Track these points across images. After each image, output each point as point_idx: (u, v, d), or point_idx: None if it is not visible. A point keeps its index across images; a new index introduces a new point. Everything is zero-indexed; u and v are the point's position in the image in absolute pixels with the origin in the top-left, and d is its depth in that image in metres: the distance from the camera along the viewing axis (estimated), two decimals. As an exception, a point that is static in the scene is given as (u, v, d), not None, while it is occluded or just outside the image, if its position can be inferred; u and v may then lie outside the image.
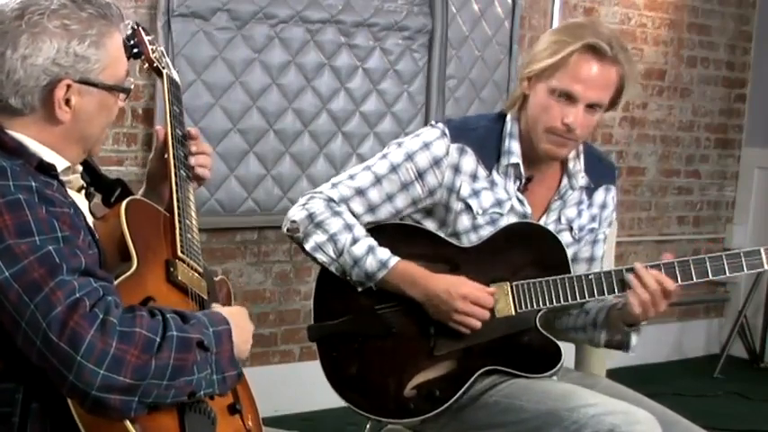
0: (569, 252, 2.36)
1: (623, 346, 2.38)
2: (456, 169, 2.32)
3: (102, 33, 1.65)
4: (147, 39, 2.06)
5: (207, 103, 3.77)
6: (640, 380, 4.04)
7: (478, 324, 2.25)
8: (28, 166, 1.59)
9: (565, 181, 2.41)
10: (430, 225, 2.38)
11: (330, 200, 2.33)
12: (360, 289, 2.31)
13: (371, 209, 2.34)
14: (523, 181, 2.35)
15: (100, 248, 1.66)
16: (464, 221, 2.33)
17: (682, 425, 2.28)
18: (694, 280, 2.29)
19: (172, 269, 1.76)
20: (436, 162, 2.32)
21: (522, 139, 2.34)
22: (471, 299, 2.25)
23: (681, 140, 5.36)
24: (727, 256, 2.29)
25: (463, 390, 2.28)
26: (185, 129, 2.01)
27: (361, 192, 2.33)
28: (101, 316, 1.48)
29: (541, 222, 2.39)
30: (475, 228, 2.33)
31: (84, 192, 1.79)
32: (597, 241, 2.47)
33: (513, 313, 2.30)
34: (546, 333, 2.33)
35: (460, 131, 2.34)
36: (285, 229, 2.36)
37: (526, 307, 2.30)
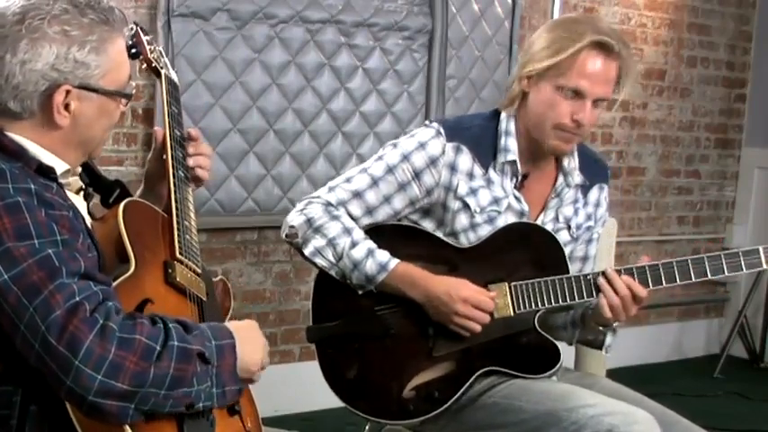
0: (566, 251, 2.36)
1: (598, 345, 2.40)
2: (452, 168, 2.33)
3: (104, 39, 1.64)
4: (145, 39, 2.05)
5: (207, 103, 3.78)
6: (640, 380, 4.04)
7: (478, 327, 2.25)
8: (27, 168, 1.59)
9: (561, 179, 2.41)
10: (428, 225, 2.38)
11: (328, 204, 2.33)
12: (360, 292, 2.31)
13: (369, 211, 2.34)
14: (520, 178, 2.36)
15: (99, 251, 1.65)
16: (462, 220, 2.33)
17: (682, 425, 2.29)
18: (693, 279, 2.29)
19: (170, 270, 1.76)
20: (432, 161, 2.32)
21: (519, 136, 2.35)
22: (472, 302, 2.25)
23: (681, 140, 5.36)
24: (725, 256, 2.29)
25: (462, 390, 2.28)
26: (184, 129, 2.01)
27: (358, 194, 2.33)
28: (101, 321, 1.48)
29: (539, 220, 2.39)
30: (473, 226, 2.33)
31: (82, 193, 1.78)
32: (591, 240, 2.48)
33: (512, 314, 2.30)
34: (544, 333, 2.33)
35: (455, 130, 2.35)
36: (284, 235, 2.36)
37: (525, 307, 2.30)
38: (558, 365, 2.31)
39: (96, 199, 1.85)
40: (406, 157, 2.33)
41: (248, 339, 1.70)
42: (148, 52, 2.05)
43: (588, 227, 2.45)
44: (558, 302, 2.30)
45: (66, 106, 1.63)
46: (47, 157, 1.65)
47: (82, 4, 1.64)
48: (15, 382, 1.57)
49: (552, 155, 2.37)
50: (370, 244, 2.29)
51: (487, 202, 2.33)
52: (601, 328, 2.36)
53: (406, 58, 4.23)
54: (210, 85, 3.77)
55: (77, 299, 1.48)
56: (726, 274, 2.29)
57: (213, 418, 1.67)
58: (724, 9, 5.37)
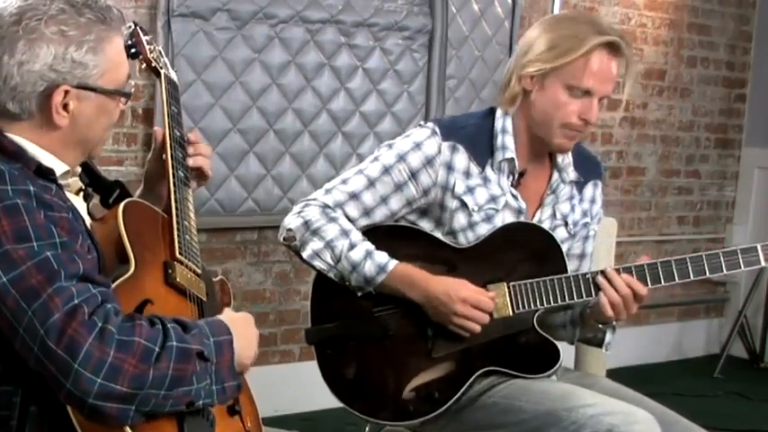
0: (564, 248, 2.36)
1: (598, 343, 2.41)
2: (449, 167, 2.33)
3: (101, 38, 1.64)
4: (144, 39, 2.05)
5: (207, 103, 3.78)
6: (640, 380, 4.04)
7: (478, 328, 2.25)
8: (26, 169, 1.59)
9: (555, 175, 2.42)
10: (425, 225, 2.38)
11: (325, 206, 2.32)
12: (359, 294, 2.31)
13: (367, 212, 2.34)
14: (517, 175, 2.36)
15: (99, 251, 1.65)
16: (460, 219, 2.33)
17: (682, 425, 2.29)
18: (691, 278, 2.30)
19: (170, 271, 1.76)
20: (429, 161, 2.32)
21: (516, 133, 2.35)
22: (471, 302, 2.25)
23: (681, 140, 5.36)
24: (724, 254, 2.29)
25: (462, 391, 2.28)
26: (183, 129, 2.01)
27: (354, 196, 2.33)
28: (99, 324, 1.47)
29: (536, 217, 2.39)
30: (471, 225, 2.33)
31: (82, 194, 1.78)
32: (588, 237, 2.48)
33: (511, 314, 2.30)
34: (544, 333, 2.33)
35: (451, 130, 2.35)
36: (281, 239, 2.36)
37: (524, 307, 2.30)
38: (557, 365, 2.31)
39: (96, 199, 1.85)
40: (402, 158, 2.33)
41: (244, 334, 1.70)
42: (148, 52, 2.05)
43: (585, 223, 2.46)
44: (558, 302, 2.30)
45: (65, 106, 1.63)
46: (46, 159, 1.65)
47: (79, 4, 1.63)
48: (15, 382, 1.56)
49: (557, 152, 2.39)
50: (369, 245, 2.29)
51: (485, 200, 2.34)
52: (600, 326, 2.37)
53: (406, 58, 4.23)
54: (210, 85, 3.77)
55: (76, 302, 1.48)
56: (724, 272, 2.29)
57: (213, 418, 1.67)
58: (724, 9, 5.37)
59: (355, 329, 2.32)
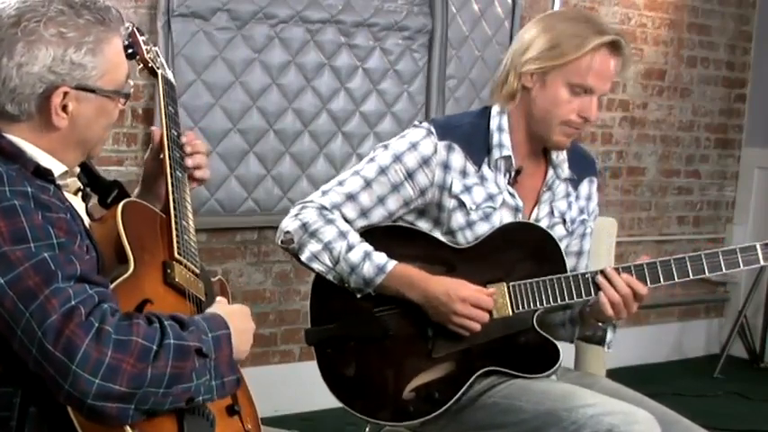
0: (561, 246, 2.37)
1: (598, 341, 2.41)
2: (446, 167, 2.33)
3: (100, 40, 1.64)
4: (141, 39, 2.06)
5: (207, 103, 3.78)
6: (640, 380, 4.04)
7: (478, 327, 2.25)
8: (24, 170, 1.59)
9: (551, 172, 2.43)
10: (424, 225, 2.38)
11: (322, 208, 2.32)
12: (359, 296, 2.31)
13: (364, 213, 2.34)
14: (514, 173, 2.36)
15: (98, 252, 1.65)
16: (458, 218, 2.33)
17: (682, 425, 2.29)
18: (691, 276, 2.30)
19: (169, 271, 1.76)
20: (425, 161, 2.32)
21: (512, 131, 2.35)
22: (471, 301, 2.25)
23: (681, 140, 5.36)
24: (723, 253, 2.29)
25: (462, 391, 2.28)
26: (180, 129, 2.01)
27: (351, 197, 2.33)
28: (96, 324, 1.47)
29: (534, 215, 2.40)
30: (469, 224, 2.34)
31: (81, 194, 1.78)
32: (585, 235, 2.48)
33: (511, 314, 2.30)
34: (543, 333, 2.33)
35: (446, 129, 2.35)
36: (279, 241, 2.35)
37: (523, 307, 2.30)
38: (557, 365, 2.31)
39: (94, 200, 1.85)
40: (398, 158, 2.33)
41: (241, 327, 1.71)
42: (145, 53, 2.05)
43: (582, 220, 2.46)
44: (557, 302, 2.30)
45: (64, 107, 1.63)
46: (44, 159, 1.65)
47: (77, 5, 1.63)
48: (15, 383, 1.56)
49: (554, 149, 2.39)
50: (367, 246, 2.29)
51: (482, 198, 2.34)
52: (600, 324, 2.37)
53: (406, 58, 4.24)
54: (210, 85, 3.77)
55: (73, 303, 1.48)
56: (724, 271, 2.29)
57: (213, 418, 1.67)
58: (724, 9, 5.37)
59: (355, 330, 2.32)
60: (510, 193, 2.36)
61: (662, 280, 2.30)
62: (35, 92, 1.61)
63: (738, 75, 5.52)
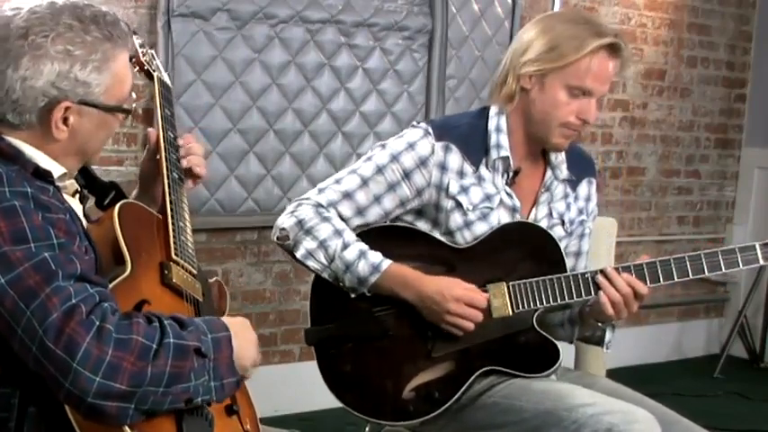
0: (561, 246, 2.37)
1: (597, 341, 2.41)
2: (443, 167, 2.33)
3: (107, 57, 1.65)
4: (138, 42, 2.06)
5: (207, 103, 3.78)
6: (640, 380, 4.04)
7: (471, 326, 2.25)
8: (24, 171, 1.59)
9: (549, 173, 2.43)
10: (422, 226, 2.38)
11: (318, 205, 2.32)
12: (353, 296, 2.30)
13: (360, 211, 2.34)
14: (512, 174, 2.36)
15: (96, 253, 1.66)
16: (456, 219, 2.34)
17: (682, 425, 2.29)
18: (690, 276, 2.30)
19: (166, 272, 1.76)
20: (422, 162, 2.33)
21: (510, 132, 2.35)
22: (464, 300, 2.25)
23: (681, 140, 5.36)
24: (722, 253, 2.29)
25: (462, 391, 2.28)
26: (177, 131, 2.01)
27: (348, 195, 2.33)
28: (97, 323, 1.48)
29: (532, 216, 2.40)
30: (467, 224, 2.34)
31: (78, 195, 1.79)
32: (584, 235, 2.48)
33: (510, 313, 2.30)
34: (543, 332, 2.33)
35: (444, 130, 2.35)
36: (275, 238, 2.35)
37: (523, 307, 2.30)
38: (557, 364, 2.31)
39: (92, 201, 1.85)
40: (395, 158, 2.33)
41: (242, 336, 1.70)
42: (141, 55, 2.05)
43: (581, 221, 2.47)
44: (557, 301, 2.30)
45: (65, 120, 1.64)
46: (44, 161, 1.65)
47: (87, 20, 1.64)
48: (13, 383, 1.57)
49: (552, 151, 2.39)
50: (362, 245, 2.29)
51: (479, 199, 2.34)
52: (600, 324, 2.37)
53: (406, 58, 4.24)
54: (210, 85, 3.77)
55: (74, 301, 1.48)
56: (723, 270, 2.29)
57: (212, 418, 1.67)
58: (724, 9, 5.37)
59: (355, 330, 2.32)
60: (507, 194, 2.36)
61: (661, 280, 2.30)
62: (37, 105, 1.62)
63: (738, 75, 5.52)
